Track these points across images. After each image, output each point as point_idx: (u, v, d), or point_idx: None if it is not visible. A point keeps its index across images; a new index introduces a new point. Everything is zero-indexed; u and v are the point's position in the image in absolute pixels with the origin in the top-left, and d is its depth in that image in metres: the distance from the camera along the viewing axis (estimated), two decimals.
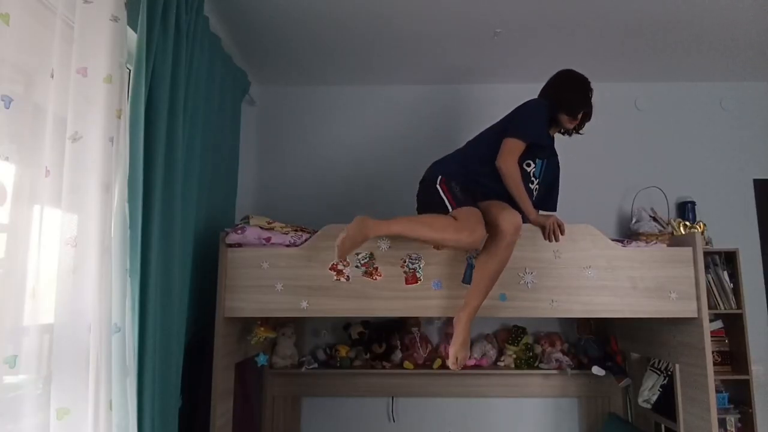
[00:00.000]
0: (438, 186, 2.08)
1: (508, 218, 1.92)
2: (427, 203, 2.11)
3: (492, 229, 1.93)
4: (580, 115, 2.19)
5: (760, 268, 3.07)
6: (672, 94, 3.27)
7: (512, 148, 2.07)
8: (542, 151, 2.17)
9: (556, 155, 2.28)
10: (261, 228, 2.17)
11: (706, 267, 2.66)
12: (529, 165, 2.15)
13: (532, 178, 2.17)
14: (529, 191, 2.14)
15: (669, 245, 2.20)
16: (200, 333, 2.18)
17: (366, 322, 3.01)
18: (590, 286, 2.08)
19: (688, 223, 2.96)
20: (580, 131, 2.28)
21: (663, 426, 2.61)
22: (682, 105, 3.26)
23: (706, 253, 2.74)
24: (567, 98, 2.18)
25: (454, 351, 1.98)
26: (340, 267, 2.11)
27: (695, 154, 3.21)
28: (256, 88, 3.17)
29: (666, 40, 2.74)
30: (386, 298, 2.09)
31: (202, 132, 2.17)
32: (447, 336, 2.99)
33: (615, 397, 2.97)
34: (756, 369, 2.81)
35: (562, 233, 2.11)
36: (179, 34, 1.87)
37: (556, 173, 2.29)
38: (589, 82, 2.21)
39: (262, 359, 2.51)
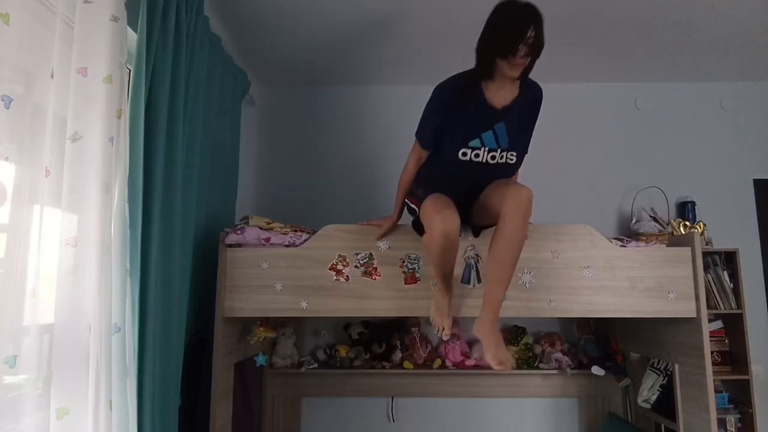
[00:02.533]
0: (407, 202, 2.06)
1: (515, 191, 1.71)
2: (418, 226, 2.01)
3: (501, 208, 1.72)
4: (518, 53, 1.68)
5: (760, 268, 3.07)
6: (672, 94, 3.27)
7: (414, 143, 2.02)
8: (484, 124, 1.85)
9: (520, 102, 1.89)
10: (260, 228, 2.18)
11: (706, 267, 2.67)
12: (465, 154, 1.84)
13: (491, 154, 1.86)
14: (495, 167, 1.88)
15: (668, 245, 2.20)
16: (200, 333, 2.19)
17: (366, 322, 3.01)
18: (589, 286, 2.08)
19: (688, 223, 2.97)
20: (531, 64, 1.78)
21: (663, 426, 2.61)
22: (682, 105, 3.26)
23: (706, 253, 2.75)
24: (481, 47, 1.79)
25: (491, 356, 1.72)
26: (339, 267, 2.11)
27: (695, 154, 3.21)
28: (256, 88, 3.17)
29: (666, 40, 2.74)
30: (386, 298, 2.09)
31: (202, 132, 2.17)
32: None
33: (615, 397, 2.98)
34: (756, 369, 2.81)
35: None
36: (179, 34, 1.88)
37: (528, 118, 1.95)
38: (501, 8, 1.74)
39: (261, 359, 2.51)
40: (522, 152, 1.97)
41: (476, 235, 2.11)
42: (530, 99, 1.92)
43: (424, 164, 2.01)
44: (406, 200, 2.06)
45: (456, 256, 1.85)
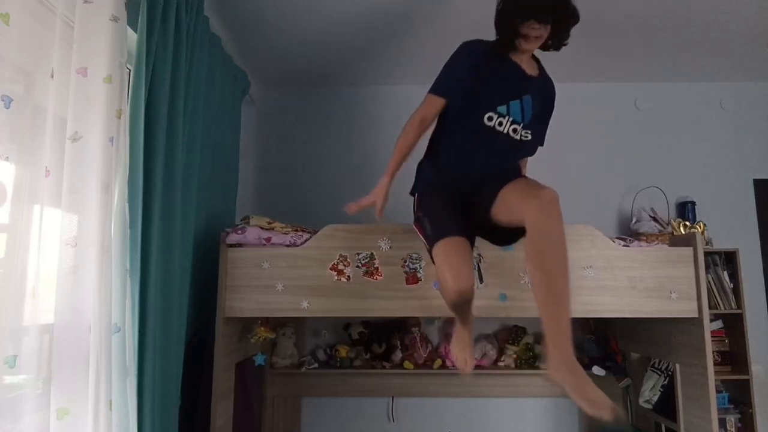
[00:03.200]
0: (413, 217, 1.87)
1: (536, 193, 1.46)
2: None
3: (524, 211, 1.47)
4: (546, 19, 1.64)
5: (760, 268, 3.07)
6: (672, 94, 3.27)
7: (423, 101, 1.83)
8: (513, 91, 1.75)
9: (542, 83, 1.86)
10: (261, 228, 2.17)
11: (706, 267, 2.66)
12: (491, 118, 1.73)
13: (513, 127, 1.76)
14: (512, 143, 1.78)
15: (670, 245, 2.20)
16: (200, 333, 2.18)
17: (366, 322, 3.01)
18: (590, 286, 2.08)
19: (688, 223, 2.96)
20: (564, 40, 1.76)
21: (663, 426, 2.61)
22: (682, 105, 3.26)
23: (706, 253, 2.74)
24: (501, 12, 1.70)
25: (583, 400, 1.24)
26: (340, 267, 2.11)
27: (695, 154, 3.21)
28: (256, 88, 3.17)
29: (666, 40, 2.74)
30: (386, 298, 2.09)
31: (202, 132, 2.17)
32: (447, 336, 2.99)
33: (615, 397, 2.97)
34: (756, 369, 2.81)
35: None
36: (179, 34, 1.87)
37: (547, 105, 1.93)
38: None
39: (260, 359, 2.51)
40: (537, 138, 1.89)
41: (498, 243, 1.86)
42: (548, 86, 1.89)
43: (427, 156, 1.88)
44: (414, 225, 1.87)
45: (472, 303, 1.60)
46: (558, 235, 1.40)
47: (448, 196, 1.77)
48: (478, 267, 2.06)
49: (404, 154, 1.86)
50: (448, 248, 1.59)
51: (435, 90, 1.82)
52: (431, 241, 1.65)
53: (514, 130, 1.77)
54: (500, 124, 1.75)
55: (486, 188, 1.68)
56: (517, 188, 1.61)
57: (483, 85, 1.75)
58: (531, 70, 1.81)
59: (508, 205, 1.60)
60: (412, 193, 1.95)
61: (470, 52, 1.77)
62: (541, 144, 1.97)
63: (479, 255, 2.08)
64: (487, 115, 1.74)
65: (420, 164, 1.93)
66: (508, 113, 1.75)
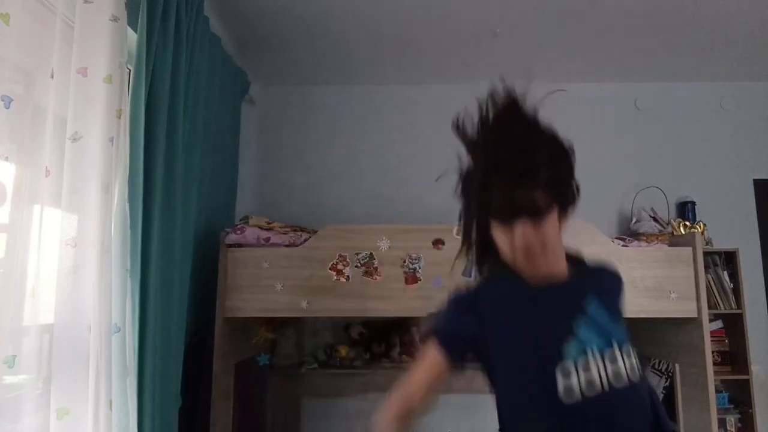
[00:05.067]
0: None
1: None
2: None
3: None
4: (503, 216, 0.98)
5: (760, 268, 3.07)
6: (672, 94, 3.27)
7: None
8: (566, 309, 1.05)
9: (591, 274, 1.24)
10: (260, 228, 2.18)
11: (706, 267, 2.66)
12: (569, 374, 0.95)
13: (613, 367, 0.99)
14: (628, 394, 0.97)
15: (669, 245, 2.20)
16: (200, 333, 2.18)
17: (366, 322, 3.01)
18: None
19: (688, 223, 2.96)
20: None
21: None
22: (682, 105, 3.26)
23: (706, 253, 2.74)
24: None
25: None
26: (340, 267, 2.11)
27: (695, 154, 3.21)
28: (256, 88, 3.17)
29: (666, 40, 2.74)
30: (386, 298, 2.09)
31: (202, 132, 2.17)
32: None
33: None
34: (756, 369, 2.81)
35: None
36: (179, 34, 1.87)
37: (616, 295, 1.23)
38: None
39: (263, 359, 2.51)
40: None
41: None
42: (601, 274, 1.23)
43: None
44: None
45: None
46: None
47: None
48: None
49: (407, 404, 1.12)
50: None
51: (431, 330, 1.14)
52: None
53: (616, 374, 0.97)
54: (589, 380, 0.94)
55: None
56: None
57: (516, 332, 1.03)
58: (564, 272, 1.10)
59: None
60: None
61: (458, 296, 1.13)
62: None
63: None
64: (560, 381, 0.93)
65: None
66: (586, 349, 0.98)
